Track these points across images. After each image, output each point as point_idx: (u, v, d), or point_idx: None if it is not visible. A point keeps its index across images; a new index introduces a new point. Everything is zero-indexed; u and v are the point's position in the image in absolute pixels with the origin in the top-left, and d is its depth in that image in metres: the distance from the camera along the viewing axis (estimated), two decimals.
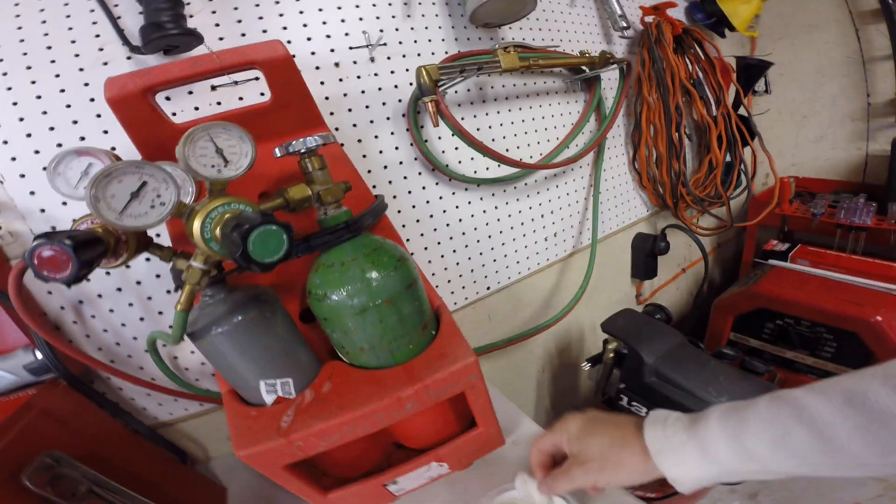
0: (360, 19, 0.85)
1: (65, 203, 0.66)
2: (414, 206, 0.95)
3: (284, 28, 0.78)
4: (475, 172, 1.02)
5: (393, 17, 0.88)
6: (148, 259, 0.72)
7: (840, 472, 0.38)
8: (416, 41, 0.91)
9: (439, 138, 0.96)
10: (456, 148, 0.98)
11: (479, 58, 0.91)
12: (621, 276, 1.50)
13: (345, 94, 0.84)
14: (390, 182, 0.91)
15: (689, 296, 1.80)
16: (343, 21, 0.83)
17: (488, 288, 1.12)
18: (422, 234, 0.98)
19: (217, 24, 0.73)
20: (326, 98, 0.82)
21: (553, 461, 0.57)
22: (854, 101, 1.75)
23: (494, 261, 1.12)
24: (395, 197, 0.92)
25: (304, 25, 0.79)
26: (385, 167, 0.90)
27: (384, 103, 0.88)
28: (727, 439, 0.42)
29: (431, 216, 0.98)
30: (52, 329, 0.68)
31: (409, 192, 0.94)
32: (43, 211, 0.65)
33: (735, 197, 1.54)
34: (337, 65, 0.83)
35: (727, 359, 1.15)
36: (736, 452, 0.41)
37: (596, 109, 1.25)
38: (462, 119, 0.98)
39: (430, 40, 0.93)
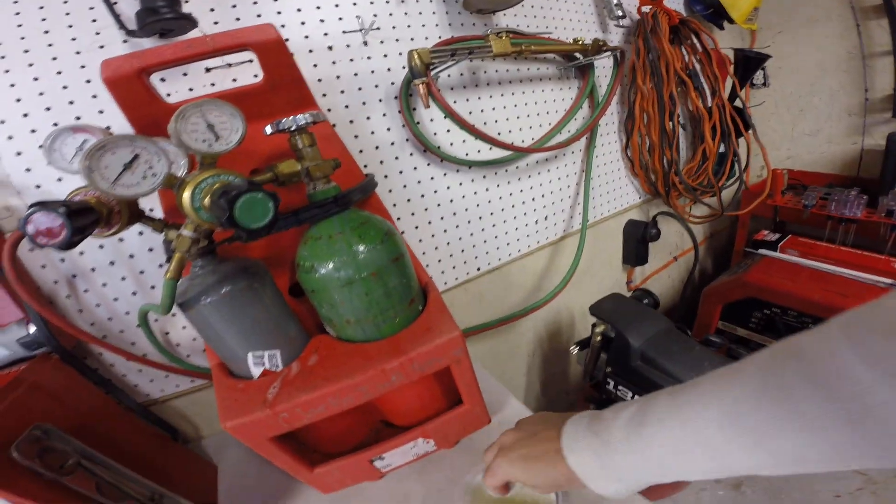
0: (354, 4, 0.86)
1: (60, 179, 0.67)
2: (405, 186, 0.96)
3: (279, 13, 0.79)
4: (467, 155, 1.04)
5: (387, 2, 0.89)
6: (141, 233, 0.73)
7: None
8: (409, 26, 0.92)
9: (431, 120, 0.97)
10: (448, 130, 0.99)
11: (471, 43, 0.91)
12: (612, 261, 1.51)
13: (338, 77, 0.85)
14: (382, 162, 0.93)
15: (679, 283, 1.82)
16: (337, 6, 0.84)
17: (479, 269, 1.13)
18: (413, 214, 0.99)
19: (212, 9, 0.74)
20: (319, 80, 0.83)
21: None
22: (852, 96, 1.76)
23: (485, 242, 1.13)
24: (386, 177, 0.94)
25: (298, 10, 0.80)
26: (377, 147, 0.91)
27: (376, 86, 0.89)
28: (625, 422, 0.39)
29: (423, 196, 0.99)
30: (46, 303, 0.69)
31: (401, 173, 0.95)
32: (38, 187, 0.67)
33: (727, 187, 1.56)
34: (330, 48, 0.84)
35: (713, 346, 1.17)
36: (628, 436, 0.38)
37: (589, 96, 1.25)
38: (454, 103, 0.98)
39: (423, 25, 0.94)
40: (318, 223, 0.55)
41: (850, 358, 0.26)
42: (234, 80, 0.76)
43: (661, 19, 1.29)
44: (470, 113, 1.02)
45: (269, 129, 0.53)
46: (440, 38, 0.95)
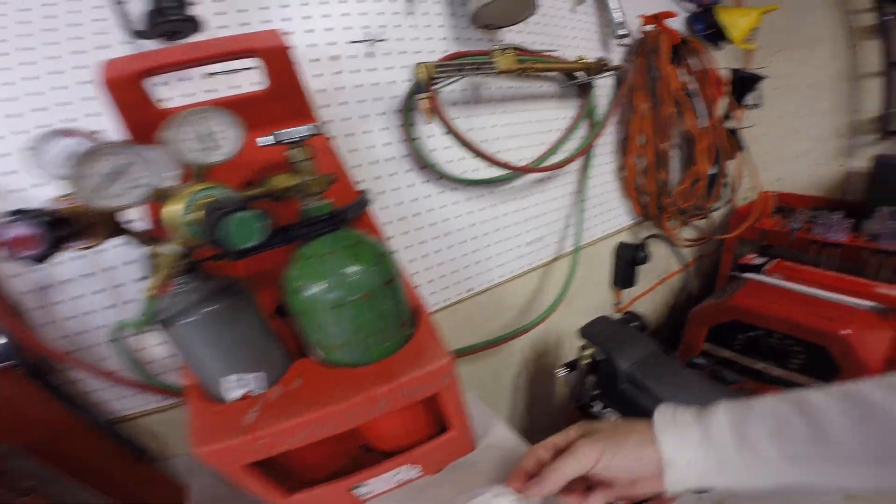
0: (363, 14, 0.84)
1: (45, 184, 0.63)
2: (400, 204, 0.94)
3: (286, 20, 0.77)
4: (463, 173, 1.02)
5: (395, 13, 0.88)
6: (121, 245, 0.69)
7: (829, 471, 0.38)
8: (415, 38, 0.90)
9: (430, 136, 0.95)
10: (446, 147, 0.98)
11: (476, 58, 0.91)
12: (601, 283, 1.51)
13: (340, 88, 0.83)
14: (378, 178, 0.90)
15: (665, 306, 1.82)
16: (344, 15, 0.82)
17: (470, 290, 1.11)
18: (406, 232, 0.97)
19: (220, 14, 0.72)
20: (322, 90, 0.81)
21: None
22: (841, 117, 1.78)
23: (478, 263, 1.11)
24: (381, 193, 0.91)
25: (306, 18, 0.79)
26: (374, 162, 0.89)
27: (379, 99, 0.88)
28: (730, 423, 0.43)
29: (417, 214, 0.97)
30: (14, 313, 0.65)
31: (397, 190, 0.93)
32: (22, 191, 0.63)
33: (717, 209, 1.57)
34: (335, 58, 0.82)
35: (699, 368, 1.17)
36: (735, 438, 0.42)
37: (588, 116, 1.25)
38: (456, 119, 0.97)
39: (429, 38, 0.92)
40: (310, 242, 0.53)
41: None
42: (237, 86, 0.74)
43: (662, 39, 1.29)
44: (470, 130, 1.01)
45: (267, 140, 0.51)
46: (446, 52, 0.94)
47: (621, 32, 1.24)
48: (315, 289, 0.51)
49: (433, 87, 0.81)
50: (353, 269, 0.51)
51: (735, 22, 1.52)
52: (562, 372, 1.17)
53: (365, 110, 0.86)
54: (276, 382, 0.55)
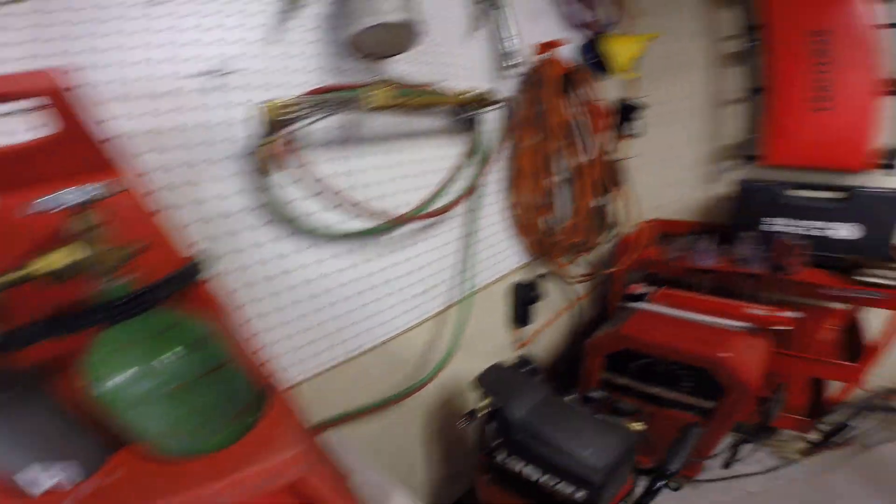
0: (214, 43, 0.74)
1: None
2: (260, 263, 0.83)
3: (108, 50, 0.65)
4: (336, 224, 0.93)
5: (254, 42, 0.79)
6: None
7: None
8: (280, 69, 0.82)
9: (294, 184, 0.85)
10: (316, 195, 0.88)
11: (346, 93, 0.83)
12: (501, 323, 1.50)
13: (177, 128, 0.72)
14: (230, 234, 0.79)
15: (568, 335, 1.86)
16: (188, 45, 0.72)
17: (361, 346, 1.04)
18: (268, 296, 0.86)
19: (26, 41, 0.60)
20: (151, 132, 0.70)
21: None
22: (709, 144, 1.92)
23: (367, 318, 1.04)
24: (234, 252, 0.80)
25: (132, 49, 0.67)
26: (224, 216, 0.78)
27: (229, 140, 0.77)
28: None
29: (282, 274, 0.87)
30: None
31: (254, 247, 0.82)
32: None
33: (606, 242, 1.62)
34: (171, 93, 0.71)
35: (595, 402, 1.19)
36: None
37: (476, 153, 1.22)
38: (327, 161, 0.89)
39: (297, 70, 0.84)
40: (110, 327, 0.44)
41: None
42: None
43: (550, 69, 1.29)
44: (347, 173, 0.93)
45: (35, 208, 0.41)
46: (320, 84, 0.85)
47: (513, 62, 1.24)
48: (116, 381, 0.43)
49: (286, 129, 0.73)
50: (160, 359, 0.44)
51: (619, 51, 1.59)
52: (463, 422, 1.13)
53: (211, 154, 0.75)
54: (91, 475, 0.49)
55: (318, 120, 0.80)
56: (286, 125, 0.74)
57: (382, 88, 0.83)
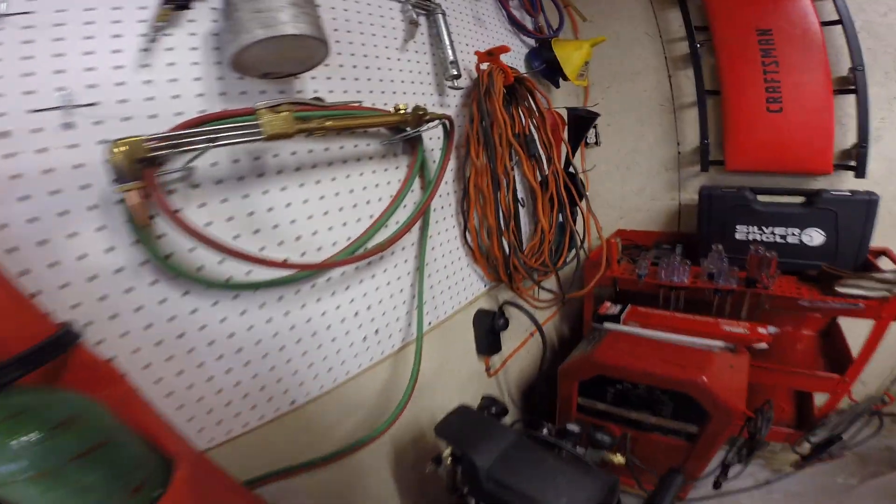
0: (61, 72, 0.59)
1: None
2: (150, 326, 0.67)
3: None
4: (248, 273, 0.78)
5: (118, 67, 0.64)
6: None
7: None
8: (150, 98, 0.67)
9: (174, 231, 0.70)
10: (197, 245, 0.72)
11: (234, 121, 0.68)
12: (468, 354, 1.37)
13: (15, 177, 0.56)
14: (104, 298, 0.63)
15: (540, 360, 1.72)
16: (27, 75, 0.57)
17: (308, 394, 0.90)
18: (183, 353, 0.71)
19: None
20: None
21: None
22: (666, 150, 1.84)
23: (311, 366, 0.90)
24: (114, 317, 0.64)
25: None
26: (92, 278, 0.62)
27: (87, 186, 0.60)
28: None
29: (198, 330, 0.73)
30: None
31: (139, 309, 0.66)
32: None
33: (570, 262, 1.51)
34: (10, 134, 0.55)
35: (572, 437, 1.07)
36: None
37: (420, 176, 1.09)
38: (224, 202, 0.74)
39: (175, 97, 0.69)
40: None
41: None
42: None
43: (496, 79, 1.17)
44: (251, 214, 0.78)
45: None
46: (202, 111, 0.71)
47: (453, 73, 1.12)
48: None
49: (159, 169, 0.57)
50: (11, 446, 0.40)
51: (569, 56, 1.50)
52: (430, 468, 1.00)
53: (64, 205, 0.59)
54: None
55: (196, 157, 0.63)
56: (158, 164, 0.58)
57: (281, 113, 0.68)
